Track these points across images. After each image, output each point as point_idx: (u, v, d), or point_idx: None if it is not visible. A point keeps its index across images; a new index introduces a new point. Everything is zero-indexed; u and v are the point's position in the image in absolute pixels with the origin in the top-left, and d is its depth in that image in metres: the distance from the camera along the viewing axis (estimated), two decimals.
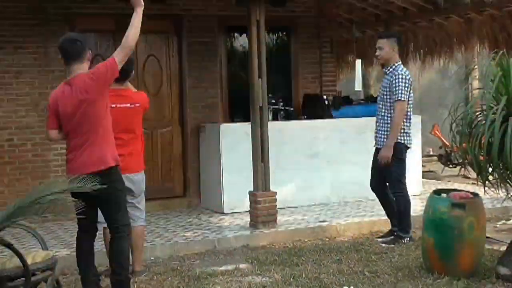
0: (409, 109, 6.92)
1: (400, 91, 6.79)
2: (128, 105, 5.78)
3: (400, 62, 7.08)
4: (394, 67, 6.95)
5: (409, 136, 6.97)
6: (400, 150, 6.88)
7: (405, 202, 6.98)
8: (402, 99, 6.80)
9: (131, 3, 5.09)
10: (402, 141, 6.90)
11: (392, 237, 7.05)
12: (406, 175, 7.08)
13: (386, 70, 7.01)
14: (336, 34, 11.29)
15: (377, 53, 7.11)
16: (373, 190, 7.27)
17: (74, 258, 5.85)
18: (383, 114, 6.98)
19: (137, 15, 5.03)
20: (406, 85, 6.82)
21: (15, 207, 4.11)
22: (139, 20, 5.02)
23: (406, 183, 7.04)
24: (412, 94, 6.99)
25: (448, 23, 10.95)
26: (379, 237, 7.24)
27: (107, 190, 4.97)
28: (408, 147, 7.01)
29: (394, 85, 6.81)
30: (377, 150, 7.07)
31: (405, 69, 7.04)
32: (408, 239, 6.96)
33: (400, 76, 6.82)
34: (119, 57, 5.00)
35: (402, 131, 6.91)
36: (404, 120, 6.90)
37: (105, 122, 5.07)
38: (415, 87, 6.97)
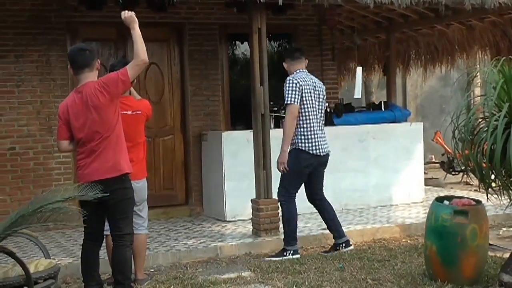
0: (306, 114, 6.71)
1: (287, 95, 6.65)
2: (129, 112, 5.77)
3: (298, 71, 6.86)
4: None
5: (312, 142, 6.72)
6: (296, 157, 6.69)
7: (289, 213, 6.81)
8: (290, 102, 6.65)
9: (125, 23, 5.15)
10: (303, 148, 6.71)
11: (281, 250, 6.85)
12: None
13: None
14: (338, 42, 11.31)
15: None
16: (310, 202, 7.13)
17: (76, 266, 5.86)
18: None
19: (135, 31, 5.13)
20: (294, 88, 6.64)
21: (17, 215, 4.12)
22: (139, 34, 5.11)
23: (294, 193, 6.86)
24: (310, 99, 6.77)
25: (450, 30, 10.98)
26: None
27: (118, 197, 5.01)
28: (316, 155, 6.76)
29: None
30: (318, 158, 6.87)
31: (297, 76, 6.79)
32: (292, 252, 6.77)
33: (288, 81, 6.70)
34: (131, 70, 5.06)
35: (303, 137, 6.72)
36: (306, 125, 6.70)
37: (117, 128, 5.11)
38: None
